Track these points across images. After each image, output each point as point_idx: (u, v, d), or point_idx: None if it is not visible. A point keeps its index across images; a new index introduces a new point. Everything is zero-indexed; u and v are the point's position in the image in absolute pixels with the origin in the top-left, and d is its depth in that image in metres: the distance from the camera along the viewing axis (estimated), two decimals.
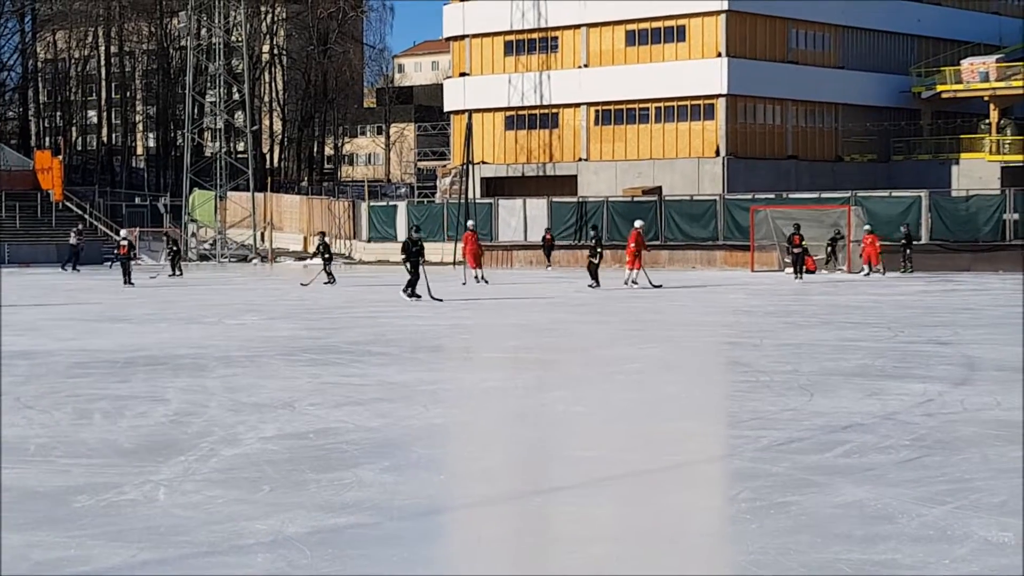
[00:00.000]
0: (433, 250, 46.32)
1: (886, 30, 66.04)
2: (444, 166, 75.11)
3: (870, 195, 48.69)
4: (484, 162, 64.66)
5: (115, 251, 45.68)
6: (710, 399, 13.74)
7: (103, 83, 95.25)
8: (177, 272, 45.81)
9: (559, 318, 24.66)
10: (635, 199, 54.26)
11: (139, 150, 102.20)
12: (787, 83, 61.60)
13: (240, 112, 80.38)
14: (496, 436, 11.17)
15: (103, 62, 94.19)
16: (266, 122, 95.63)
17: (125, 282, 38.97)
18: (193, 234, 68.93)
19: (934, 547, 6.75)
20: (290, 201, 70.51)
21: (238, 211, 68.38)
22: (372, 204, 63.06)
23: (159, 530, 7.21)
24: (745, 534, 7.17)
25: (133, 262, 41.42)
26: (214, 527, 7.28)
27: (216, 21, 70.11)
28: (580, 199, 56.01)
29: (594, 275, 34.69)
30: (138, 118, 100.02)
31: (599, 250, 35.37)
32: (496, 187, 64.35)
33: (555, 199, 55.69)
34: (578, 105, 63.04)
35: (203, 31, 79.23)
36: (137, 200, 78.49)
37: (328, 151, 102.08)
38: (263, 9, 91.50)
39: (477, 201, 57.63)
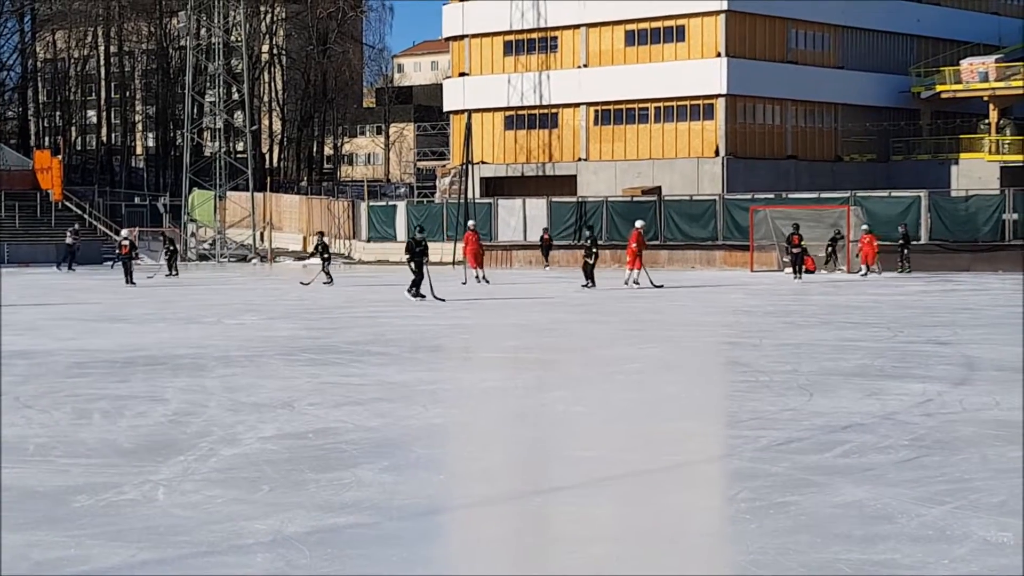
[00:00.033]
0: (432, 250, 46.16)
1: (886, 30, 66.04)
2: (443, 166, 75.10)
3: (869, 195, 48.69)
4: (483, 162, 64.66)
5: (117, 251, 45.75)
6: (710, 399, 13.74)
7: (102, 83, 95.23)
8: (173, 272, 45.83)
9: (559, 318, 24.66)
10: (634, 199, 54.26)
11: (138, 150, 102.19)
12: (787, 83, 61.60)
13: (239, 112, 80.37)
14: (496, 436, 11.16)
15: (102, 62, 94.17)
16: (265, 122, 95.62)
17: (127, 282, 39.03)
18: (193, 234, 68.93)
19: (933, 547, 6.75)
20: (289, 201, 70.50)
21: (237, 211, 68.37)
22: (371, 204, 63.05)
23: (158, 530, 7.21)
24: (745, 534, 7.17)
25: (134, 262, 41.46)
26: (213, 527, 7.28)
27: (215, 21, 70.11)
28: (580, 199, 56.00)
29: (589, 275, 34.68)
30: (137, 118, 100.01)
31: (595, 250, 35.37)
32: (495, 187, 64.36)
33: (554, 199, 55.70)
34: (577, 105, 63.04)
35: (202, 31, 79.22)
36: (136, 200, 78.46)
37: (327, 151, 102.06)
38: (262, 9, 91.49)
39: (476, 201, 57.63)
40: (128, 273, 39.53)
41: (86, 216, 67.93)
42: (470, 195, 57.20)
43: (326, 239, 41.96)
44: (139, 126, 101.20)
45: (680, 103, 60.34)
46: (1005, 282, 36.56)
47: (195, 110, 74.72)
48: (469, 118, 61.63)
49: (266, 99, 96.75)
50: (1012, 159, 62.02)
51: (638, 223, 36.32)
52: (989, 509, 7.60)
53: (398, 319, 24.21)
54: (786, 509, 7.65)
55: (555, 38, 63.62)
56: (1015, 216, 45.19)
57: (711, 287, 36.15)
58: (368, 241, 61.50)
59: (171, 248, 48.42)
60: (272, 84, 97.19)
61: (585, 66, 62.73)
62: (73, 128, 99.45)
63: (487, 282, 37.02)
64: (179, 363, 16.07)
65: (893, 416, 11.27)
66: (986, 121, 64.14)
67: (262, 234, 67.56)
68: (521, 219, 55.56)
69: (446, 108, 69.15)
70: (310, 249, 57.13)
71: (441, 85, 74.91)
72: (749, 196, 50.96)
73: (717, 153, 59.40)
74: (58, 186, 68.34)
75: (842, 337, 19.34)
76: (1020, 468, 8.83)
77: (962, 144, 64.23)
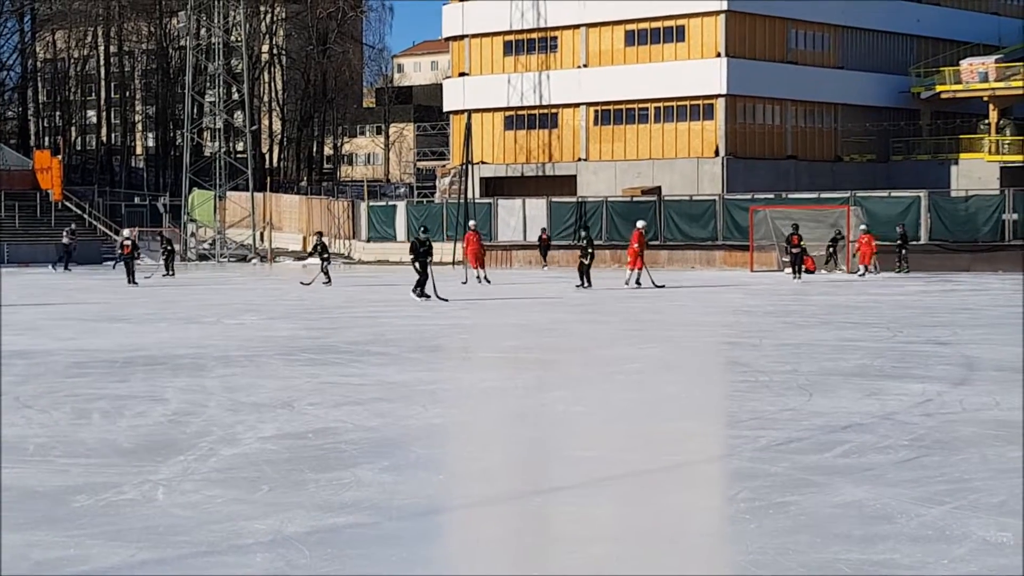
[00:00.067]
0: (434, 250, 46.27)
1: (886, 30, 66.05)
2: (443, 166, 75.11)
3: (869, 195, 48.69)
4: (483, 162, 64.67)
5: (119, 251, 45.88)
6: (709, 399, 13.74)
7: (102, 83, 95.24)
8: (170, 272, 45.89)
9: (558, 318, 24.66)
10: (634, 199, 54.27)
11: (138, 150, 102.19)
12: (786, 83, 61.61)
13: (239, 112, 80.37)
14: (495, 436, 11.16)
15: (102, 62, 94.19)
16: (265, 122, 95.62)
17: (129, 281, 39.15)
18: (192, 234, 68.95)
19: (933, 547, 6.75)
20: (289, 201, 70.51)
21: (237, 211, 68.38)
22: (371, 204, 63.06)
23: (158, 530, 7.20)
24: (744, 534, 7.17)
25: (136, 262, 41.58)
26: (213, 527, 7.28)
27: (215, 21, 70.12)
28: (579, 199, 56.02)
29: (585, 275, 34.68)
30: (137, 118, 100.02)
31: (590, 250, 35.40)
32: (495, 187, 64.37)
33: (554, 199, 55.71)
34: (577, 105, 63.05)
35: (202, 31, 79.24)
36: (136, 200, 78.49)
37: (327, 151, 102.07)
38: (262, 9, 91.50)
39: (476, 201, 57.64)
40: (130, 273, 39.70)
41: (86, 216, 67.95)
42: (470, 195, 57.20)
43: (325, 239, 41.95)
44: (139, 126, 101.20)
45: (680, 103, 60.35)
46: (1005, 282, 36.57)
47: (195, 110, 74.73)
48: (469, 118, 61.62)
49: (266, 99, 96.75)
50: (1012, 159, 62.03)
51: (640, 223, 36.35)
52: (989, 509, 7.60)
53: (398, 319, 24.21)
54: (786, 509, 7.65)
55: (555, 38, 63.63)
56: (1015, 216, 45.19)
57: (711, 287, 36.15)
58: (368, 241, 61.51)
59: (168, 248, 48.49)
60: (272, 84, 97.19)
61: (585, 66, 62.73)
62: (73, 128, 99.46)
63: (488, 282, 37.02)
64: (179, 363, 16.07)
65: (893, 416, 11.27)
66: (986, 121, 64.15)
67: (262, 234, 67.57)
68: (521, 219, 55.57)
69: (446, 108, 69.16)
70: (309, 249, 57.15)
71: (441, 85, 74.91)
72: (749, 196, 50.97)
73: (717, 153, 59.40)
74: (58, 186, 68.35)
75: (842, 337, 19.33)
76: (1020, 468, 8.83)
77: (962, 144, 64.24)
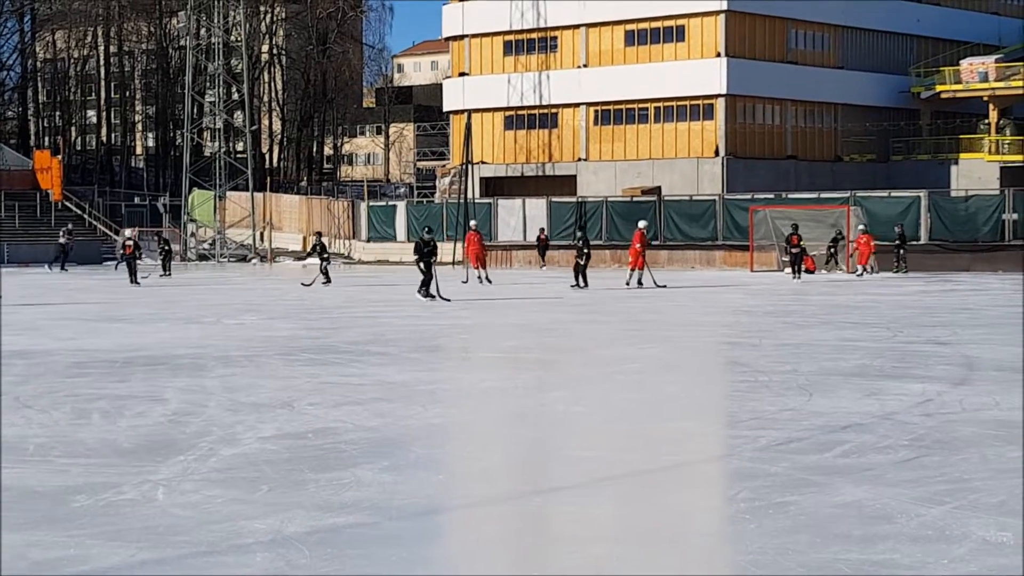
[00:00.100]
0: None
1: (885, 30, 66.05)
2: (443, 166, 75.10)
3: (869, 195, 48.69)
4: (483, 162, 64.67)
5: (121, 251, 46.01)
6: (709, 399, 13.74)
7: (102, 83, 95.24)
8: (167, 272, 45.93)
9: (558, 318, 24.66)
10: (634, 199, 54.27)
11: (138, 150, 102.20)
12: (786, 83, 61.61)
13: (239, 112, 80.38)
14: (495, 436, 11.16)
15: (102, 62, 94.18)
16: (265, 122, 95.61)
17: (131, 281, 39.26)
18: (192, 234, 68.96)
19: (933, 547, 6.75)
20: (289, 201, 70.52)
21: (237, 211, 68.38)
22: (371, 204, 63.06)
23: (158, 530, 7.20)
24: (744, 534, 7.17)
25: (138, 262, 41.70)
26: (213, 527, 7.28)
27: (215, 21, 70.12)
28: (579, 199, 56.02)
29: (580, 275, 34.68)
30: (137, 118, 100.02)
31: (586, 251, 35.42)
32: (495, 187, 64.37)
33: (554, 199, 55.71)
34: (577, 105, 63.05)
35: (202, 31, 79.25)
36: (136, 200, 78.49)
37: (327, 151, 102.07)
38: (262, 9, 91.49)
39: (476, 201, 57.64)
40: (132, 273, 39.84)
41: (86, 216, 67.94)
42: (470, 195, 57.21)
43: (324, 239, 41.95)
44: (139, 126, 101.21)
45: (680, 103, 60.35)
46: (1005, 282, 36.56)
47: (195, 110, 74.73)
48: (469, 118, 61.63)
49: (266, 99, 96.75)
50: (1012, 159, 62.03)
51: (641, 223, 36.37)
52: (988, 509, 7.60)
53: (398, 319, 24.21)
54: (785, 509, 7.65)
55: (555, 38, 63.63)
56: (1015, 216, 45.19)
57: (711, 287, 36.15)
58: (368, 241, 61.51)
59: (165, 248, 48.57)
60: (272, 84, 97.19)
61: (585, 66, 62.73)
62: (73, 128, 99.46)
63: (489, 282, 37.01)
64: (178, 363, 16.07)
65: (892, 416, 11.27)
66: (986, 121, 64.16)
67: (262, 234, 67.57)
68: (521, 219, 55.57)
69: (446, 108, 69.16)
70: (308, 249, 57.15)
71: (441, 85, 74.92)
72: (749, 196, 50.97)
73: (717, 153, 59.40)
74: (58, 186, 68.35)
75: (841, 337, 19.33)
76: (1019, 468, 8.83)
77: (962, 144, 64.24)
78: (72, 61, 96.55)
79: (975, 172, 61.92)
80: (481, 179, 64.05)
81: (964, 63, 64.75)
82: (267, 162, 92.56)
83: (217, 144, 74.56)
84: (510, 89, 64.51)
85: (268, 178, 77.94)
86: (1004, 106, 64.31)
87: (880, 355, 16.65)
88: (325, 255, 39.11)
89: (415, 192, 79.66)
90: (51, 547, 6.88)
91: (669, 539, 7.27)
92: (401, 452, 9.85)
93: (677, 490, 8.64)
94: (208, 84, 78.29)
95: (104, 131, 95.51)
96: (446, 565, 6.86)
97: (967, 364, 15.57)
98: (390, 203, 64.59)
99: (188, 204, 68.41)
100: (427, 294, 29.00)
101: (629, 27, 61.33)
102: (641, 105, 61.25)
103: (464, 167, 58.28)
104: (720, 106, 59.47)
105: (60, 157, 74.67)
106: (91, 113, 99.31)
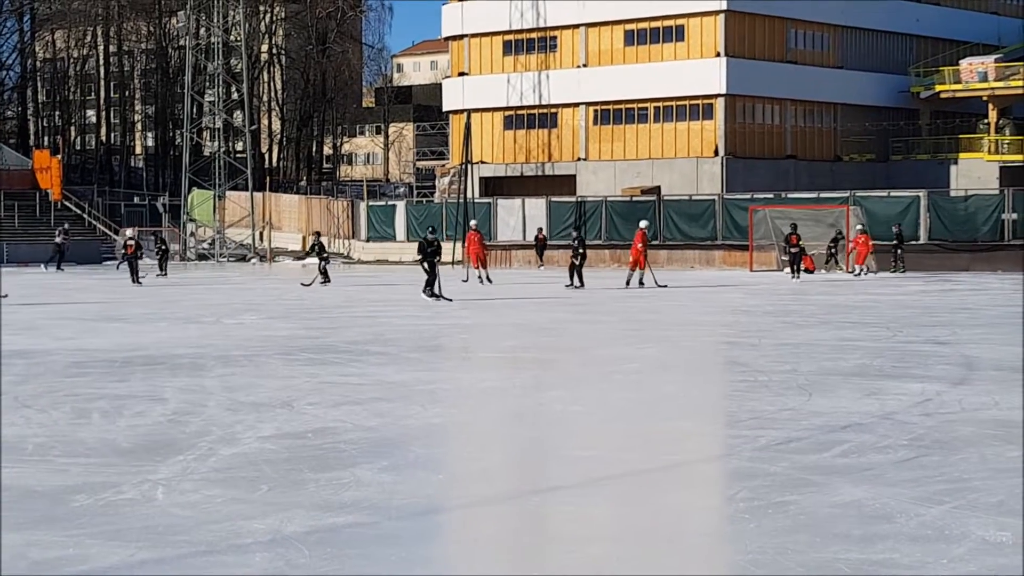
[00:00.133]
0: None
1: (885, 30, 66.05)
2: (443, 166, 75.10)
3: (869, 195, 48.70)
4: (483, 162, 64.67)
5: (122, 251, 46.09)
6: (708, 399, 13.74)
7: (102, 82, 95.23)
8: (163, 272, 45.94)
9: (557, 318, 24.66)
10: (634, 199, 54.28)
11: (138, 149, 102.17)
12: (786, 83, 61.61)
13: (239, 111, 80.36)
14: (494, 436, 11.16)
15: (102, 61, 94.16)
16: (265, 122, 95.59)
17: (133, 281, 39.34)
18: (192, 233, 68.95)
19: (932, 547, 6.75)
20: (289, 201, 70.51)
21: (237, 210, 68.37)
22: (371, 204, 63.06)
23: (157, 529, 7.20)
24: (743, 534, 7.17)
25: (140, 261, 41.78)
26: (212, 526, 7.28)
27: (215, 20, 70.11)
28: (579, 199, 56.02)
29: (576, 275, 34.69)
30: (137, 117, 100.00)
31: (581, 251, 35.46)
32: (495, 187, 64.36)
33: (554, 199, 55.71)
34: (577, 105, 63.05)
35: (202, 30, 79.22)
36: (136, 199, 78.48)
37: (327, 151, 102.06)
38: (262, 8, 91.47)
39: (476, 201, 57.63)
40: (134, 272, 39.90)
41: (85, 216, 67.93)
42: (469, 195, 57.20)
43: (323, 239, 41.95)
44: (138, 126, 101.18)
45: (679, 103, 60.35)
46: (1004, 282, 36.57)
47: (194, 110, 74.72)
48: (468, 118, 61.63)
49: (265, 99, 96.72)
50: (1011, 159, 62.03)
51: (643, 223, 36.37)
52: (988, 509, 7.60)
53: (397, 319, 24.22)
54: (785, 509, 7.65)
55: (555, 38, 63.63)
56: (1014, 216, 45.20)
57: (710, 287, 36.15)
58: (367, 241, 61.50)
59: (163, 248, 48.61)
60: (271, 84, 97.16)
61: (584, 66, 62.73)
62: (72, 128, 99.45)
63: (490, 282, 37.00)
64: (178, 363, 16.07)
65: (892, 416, 11.27)
66: (985, 121, 64.16)
67: (261, 234, 67.56)
68: (520, 219, 55.57)
69: (445, 108, 69.16)
70: (307, 249, 57.19)
71: (440, 85, 74.91)
72: (748, 196, 50.98)
73: (716, 153, 59.40)
74: (57, 186, 68.36)
75: (841, 337, 19.34)
76: (1019, 468, 8.83)
77: (961, 144, 64.25)
78: (71, 61, 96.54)
79: (974, 172, 61.92)
80: (481, 179, 64.06)
81: (964, 63, 64.76)
82: (266, 162, 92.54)
83: (216, 144, 74.54)
84: (510, 89, 64.51)
85: (267, 178, 77.93)
86: (1003, 106, 64.32)
87: (879, 355, 16.65)
88: (324, 255, 39.11)
89: (415, 192, 79.66)
90: (51, 547, 6.88)
91: (668, 539, 7.27)
92: (400, 452, 9.85)
93: (676, 490, 8.64)
94: (207, 84, 78.28)
95: (103, 131, 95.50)
96: (445, 565, 6.87)
97: (966, 364, 15.57)
98: (389, 203, 64.59)
99: (187, 204, 68.41)
100: (432, 293, 29.03)
101: (629, 27, 61.33)
102: (641, 105, 61.25)
103: (464, 167, 58.28)
104: (719, 106, 59.48)
105: (59, 157, 74.67)
106: (90, 113, 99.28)
